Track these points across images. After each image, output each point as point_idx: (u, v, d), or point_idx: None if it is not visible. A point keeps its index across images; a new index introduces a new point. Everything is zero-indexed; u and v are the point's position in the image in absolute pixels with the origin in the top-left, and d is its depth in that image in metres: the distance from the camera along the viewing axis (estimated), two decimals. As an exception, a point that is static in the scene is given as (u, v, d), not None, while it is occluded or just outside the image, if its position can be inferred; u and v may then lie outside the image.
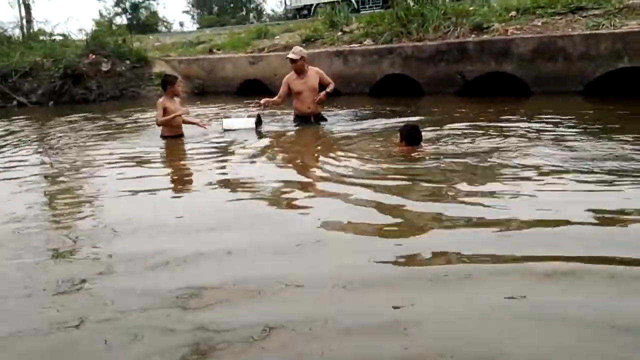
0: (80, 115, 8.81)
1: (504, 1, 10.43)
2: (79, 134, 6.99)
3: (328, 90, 6.08)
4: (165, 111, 5.67)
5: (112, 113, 9.04)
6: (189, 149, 5.48)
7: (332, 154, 4.62)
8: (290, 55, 6.05)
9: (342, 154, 4.59)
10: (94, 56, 11.21)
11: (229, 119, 6.26)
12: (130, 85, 11.24)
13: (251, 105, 7.80)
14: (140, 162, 5.03)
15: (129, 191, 3.93)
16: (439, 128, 5.43)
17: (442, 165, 4.00)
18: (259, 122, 6.15)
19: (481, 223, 2.81)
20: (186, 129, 6.00)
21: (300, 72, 6.05)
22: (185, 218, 3.27)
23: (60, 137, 6.81)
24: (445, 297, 2.09)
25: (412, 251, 2.57)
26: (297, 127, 6.14)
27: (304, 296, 2.19)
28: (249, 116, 6.25)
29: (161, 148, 5.64)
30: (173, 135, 5.81)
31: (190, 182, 4.45)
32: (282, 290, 2.22)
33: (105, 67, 11.06)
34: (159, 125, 5.82)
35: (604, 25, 7.20)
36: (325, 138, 5.68)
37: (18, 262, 2.66)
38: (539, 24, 8.25)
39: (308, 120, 6.14)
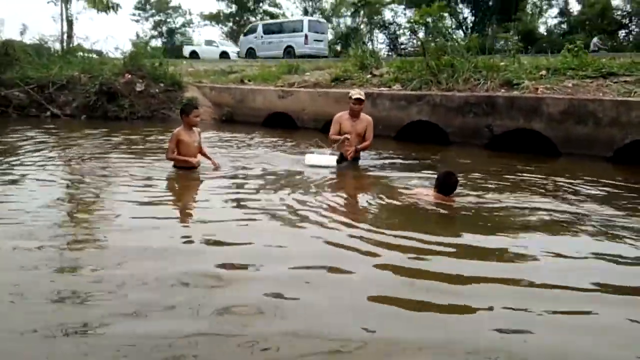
0: (107, 130, 9.08)
1: (535, 60, 10.61)
2: (102, 147, 7.24)
3: (363, 145, 6.17)
4: (179, 143, 5.38)
5: (140, 131, 9.26)
6: (201, 183, 5.23)
7: (363, 199, 4.68)
8: (358, 96, 6.04)
9: (374, 200, 4.58)
10: (129, 76, 11.58)
11: (312, 155, 6.12)
12: (161, 107, 11.53)
13: (311, 144, 7.56)
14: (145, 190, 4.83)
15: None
16: (468, 180, 5.44)
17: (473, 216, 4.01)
18: (340, 160, 6.12)
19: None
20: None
21: (356, 115, 6.09)
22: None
23: (79, 148, 7.15)
24: None
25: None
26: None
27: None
28: (331, 154, 6.14)
29: (167, 179, 5.30)
30: (186, 166, 5.45)
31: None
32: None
33: (139, 87, 11.41)
34: (168, 159, 5.52)
35: (635, 92, 7.22)
36: (358, 181, 5.69)
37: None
38: (570, 85, 8.31)
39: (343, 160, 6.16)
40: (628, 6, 25.05)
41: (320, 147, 6.69)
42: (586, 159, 6.93)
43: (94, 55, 14.40)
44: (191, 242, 3.38)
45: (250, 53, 22.75)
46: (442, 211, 4.23)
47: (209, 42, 28.71)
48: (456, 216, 4.17)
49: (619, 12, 25.30)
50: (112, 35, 20.80)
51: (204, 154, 5.77)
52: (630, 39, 24.88)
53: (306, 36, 20.24)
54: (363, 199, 4.77)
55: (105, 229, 3.58)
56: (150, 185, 4.96)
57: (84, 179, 5.15)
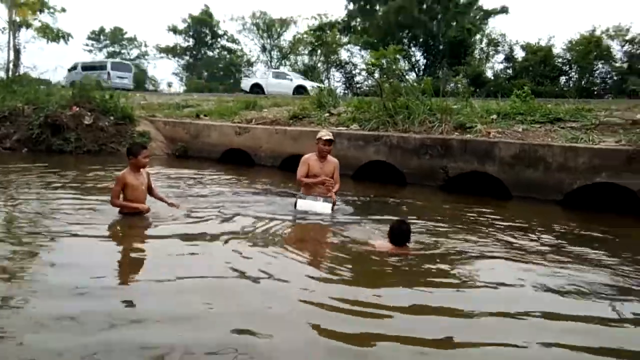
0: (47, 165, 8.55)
1: (485, 103, 11.00)
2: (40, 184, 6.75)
3: (336, 189, 5.95)
4: (126, 187, 4.92)
5: (85, 168, 8.76)
6: (150, 230, 4.74)
7: (321, 251, 4.48)
8: (328, 137, 5.88)
9: (327, 250, 4.42)
10: (77, 108, 11.08)
11: (303, 201, 5.70)
12: (110, 141, 11.06)
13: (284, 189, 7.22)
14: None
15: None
16: (423, 223, 5.41)
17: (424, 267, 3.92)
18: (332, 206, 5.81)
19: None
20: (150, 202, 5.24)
21: (324, 156, 5.93)
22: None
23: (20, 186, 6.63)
24: None
25: None
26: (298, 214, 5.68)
27: None
28: (324, 201, 5.72)
29: (112, 226, 4.81)
30: (134, 212, 4.99)
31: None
32: None
33: (87, 120, 10.92)
34: (113, 206, 5.00)
35: (582, 139, 7.54)
36: (318, 231, 5.28)
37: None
38: (520, 129, 8.61)
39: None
40: (568, 54, 26.76)
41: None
42: (537, 202, 7.10)
43: (41, 86, 13.77)
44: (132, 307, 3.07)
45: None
46: (393, 263, 4.05)
47: (279, 75, 24.69)
48: (407, 268, 3.97)
49: (560, 60, 26.99)
50: (62, 65, 19.87)
51: (156, 196, 5.34)
52: (571, 85, 26.51)
53: (109, 74, 24.96)
54: (321, 251, 4.57)
55: (22, 293, 3.08)
56: (90, 236, 4.48)
57: (13, 224, 4.69)
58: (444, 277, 3.79)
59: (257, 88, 23.42)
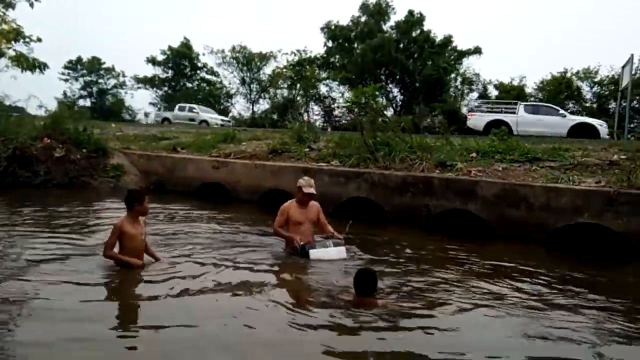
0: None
1: (464, 141, 11.08)
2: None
3: (331, 231, 5.75)
4: (123, 237, 4.51)
5: (56, 205, 8.32)
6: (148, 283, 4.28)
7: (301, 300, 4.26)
8: (311, 190, 5.66)
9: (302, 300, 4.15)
10: (48, 140, 10.68)
11: (315, 250, 5.37)
12: (81, 174, 10.63)
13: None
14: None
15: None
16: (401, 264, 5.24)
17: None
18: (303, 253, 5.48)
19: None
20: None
21: (305, 203, 5.74)
22: None
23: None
24: None
25: None
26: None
27: None
28: (334, 244, 5.47)
29: (108, 277, 4.38)
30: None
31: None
32: None
33: (58, 152, 10.51)
34: (105, 257, 4.57)
35: (562, 179, 7.56)
36: (301, 277, 4.95)
37: None
38: (500, 168, 8.62)
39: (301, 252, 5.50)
40: (540, 94, 27.73)
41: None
42: (520, 242, 7.02)
43: (13, 114, 13.28)
44: None
45: None
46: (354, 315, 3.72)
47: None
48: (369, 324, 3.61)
49: (532, 99, 27.92)
50: (35, 94, 19.14)
51: (147, 250, 4.84)
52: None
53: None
54: (301, 301, 4.24)
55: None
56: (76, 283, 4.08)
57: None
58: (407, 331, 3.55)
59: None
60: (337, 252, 5.39)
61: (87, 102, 45.45)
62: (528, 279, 5.12)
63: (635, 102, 23.41)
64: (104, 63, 46.93)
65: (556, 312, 4.10)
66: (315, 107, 35.37)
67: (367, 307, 3.77)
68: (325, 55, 35.49)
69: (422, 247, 6.53)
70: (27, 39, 19.03)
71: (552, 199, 7.03)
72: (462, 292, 4.49)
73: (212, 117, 27.24)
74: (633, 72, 15.14)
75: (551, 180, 7.61)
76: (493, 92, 30.00)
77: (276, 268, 5.12)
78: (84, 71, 47.01)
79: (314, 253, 5.32)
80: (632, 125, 18.95)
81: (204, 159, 11.35)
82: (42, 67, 19.81)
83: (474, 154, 9.50)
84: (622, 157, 8.30)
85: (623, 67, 14.67)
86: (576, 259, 6.29)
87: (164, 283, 4.19)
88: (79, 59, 46.85)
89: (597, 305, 4.35)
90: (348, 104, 11.97)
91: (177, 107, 29.18)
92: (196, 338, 3.16)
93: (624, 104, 14.63)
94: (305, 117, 26.10)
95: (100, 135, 12.16)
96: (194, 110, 27.66)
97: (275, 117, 34.10)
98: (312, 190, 5.70)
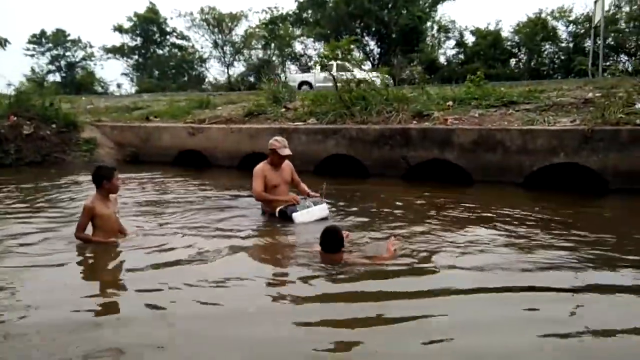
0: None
1: (441, 90, 10.99)
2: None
3: (307, 191, 5.54)
4: (95, 218, 4.25)
5: (28, 182, 8.12)
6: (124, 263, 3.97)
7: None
8: (286, 152, 5.35)
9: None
10: (15, 118, 10.32)
11: (299, 213, 5.11)
12: (54, 150, 10.36)
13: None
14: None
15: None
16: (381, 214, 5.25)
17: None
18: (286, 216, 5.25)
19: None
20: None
21: (279, 165, 5.46)
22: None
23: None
24: None
25: None
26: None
27: None
28: (314, 203, 5.23)
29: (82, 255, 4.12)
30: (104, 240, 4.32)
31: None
32: None
33: (27, 130, 10.18)
34: (77, 239, 4.30)
35: (538, 121, 7.57)
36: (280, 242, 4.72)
37: None
38: (476, 115, 8.59)
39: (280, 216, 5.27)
40: (516, 37, 27.40)
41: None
42: (498, 186, 7.09)
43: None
44: None
45: None
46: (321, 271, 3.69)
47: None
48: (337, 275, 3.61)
49: (509, 43, 27.61)
50: (1, 74, 18.13)
51: (122, 231, 4.57)
52: (521, 67, 27.18)
53: None
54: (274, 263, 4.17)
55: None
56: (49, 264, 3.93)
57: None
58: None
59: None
60: (319, 210, 5.21)
61: (57, 77, 43.92)
62: (509, 220, 5.18)
63: (610, 39, 23.26)
64: (69, 35, 45.08)
65: (539, 248, 4.19)
66: (292, 67, 34.68)
67: (334, 262, 3.76)
68: (297, 12, 34.45)
69: (402, 198, 6.54)
70: (-19, 14, 18.05)
71: (528, 141, 7.05)
72: (442, 238, 4.51)
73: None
74: (606, 8, 14.98)
75: (527, 122, 7.61)
76: (470, 39, 29.61)
77: (254, 233, 4.93)
78: (50, 45, 45.14)
79: (297, 216, 5.09)
80: (607, 64, 18.90)
81: (179, 127, 11.12)
82: (3, 43, 18.95)
83: (450, 102, 9.43)
84: (597, 94, 8.31)
85: (595, 2, 14.47)
86: (554, 198, 6.37)
87: (138, 257, 4.08)
88: (43, 33, 44.85)
89: (579, 239, 4.45)
90: (321, 59, 11.61)
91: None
92: (167, 312, 3.09)
93: (598, 42, 14.52)
94: (283, 78, 25.50)
95: (70, 110, 11.77)
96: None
97: (252, 79, 33.38)
98: (288, 152, 5.43)
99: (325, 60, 11.12)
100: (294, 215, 5.10)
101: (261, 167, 5.44)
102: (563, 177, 6.95)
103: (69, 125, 10.94)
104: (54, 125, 10.72)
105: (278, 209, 5.28)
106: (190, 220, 5.35)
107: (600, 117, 7.09)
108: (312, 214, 5.17)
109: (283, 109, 11.08)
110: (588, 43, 22.65)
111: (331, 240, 3.79)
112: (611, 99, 7.57)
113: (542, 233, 4.66)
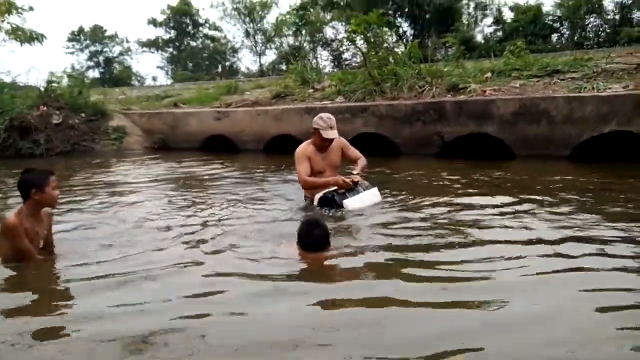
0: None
1: (477, 64, 10.31)
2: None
3: (362, 167, 4.72)
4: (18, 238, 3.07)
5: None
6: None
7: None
8: (330, 135, 4.47)
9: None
10: (45, 108, 10.38)
11: (349, 200, 4.36)
12: (83, 139, 10.38)
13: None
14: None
15: None
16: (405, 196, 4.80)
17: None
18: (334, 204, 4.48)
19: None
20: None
21: (325, 148, 4.63)
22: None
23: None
24: None
25: None
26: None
27: None
28: (365, 188, 4.51)
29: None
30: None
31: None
32: None
33: (56, 119, 10.23)
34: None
35: (586, 88, 6.88)
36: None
37: None
38: (517, 85, 7.94)
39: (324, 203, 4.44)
40: (558, 11, 25.91)
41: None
42: (543, 160, 6.48)
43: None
44: None
45: None
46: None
47: None
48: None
49: (550, 17, 26.13)
50: (36, 67, 18.43)
51: (49, 248, 3.36)
52: (563, 42, 25.71)
53: None
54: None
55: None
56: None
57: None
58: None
59: None
60: (369, 195, 4.46)
61: (96, 73, 45.11)
62: (557, 192, 4.67)
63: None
64: (106, 30, 46.16)
65: (587, 218, 3.76)
66: (324, 53, 34.15)
67: (313, 259, 3.12)
68: (328, -4, 33.82)
69: (438, 176, 6.03)
70: (19, 10, 18.54)
71: (576, 109, 6.39)
72: (485, 213, 4.06)
73: None
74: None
75: (573, 90, 6.93)
76: (508, 15, 28.20)
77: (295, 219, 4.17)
78: (88, 41, 46.37)
79: (348, 203, 4.32)
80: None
81: (205, 111, 10.93)
82: (39, 38, 19.35)
83: (488, 74, 8.81)
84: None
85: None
86: (607, 170, 5.73)
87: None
88: (81, 29, 46.17)
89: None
90: (349, 33, 11.10)
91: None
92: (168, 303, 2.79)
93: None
94: (314, 63, 25.08)
95: (99, 99, 11.79)
96: None
97: (283, 67, 33.12)
98: (334, 134, 4.49)
99: (353, 35, 10.61)
100: (345, 202, 4.33)
101: (303, 148, 4.62)
102: (615, 148, 6.27)
103: (98, 114, 10.95)
104: (82, 114, 10.74)
105: (318, 196, 4.44)
106: (214, 210, 4.73)
107: (658, 80, 6.36)
108: (363, 199, 4.42)
109: (311, 90, 10.71)
110: (637, 14, 21.13)
111: (313, 240, 3.14)
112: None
113: (595, 203, 4.18)
